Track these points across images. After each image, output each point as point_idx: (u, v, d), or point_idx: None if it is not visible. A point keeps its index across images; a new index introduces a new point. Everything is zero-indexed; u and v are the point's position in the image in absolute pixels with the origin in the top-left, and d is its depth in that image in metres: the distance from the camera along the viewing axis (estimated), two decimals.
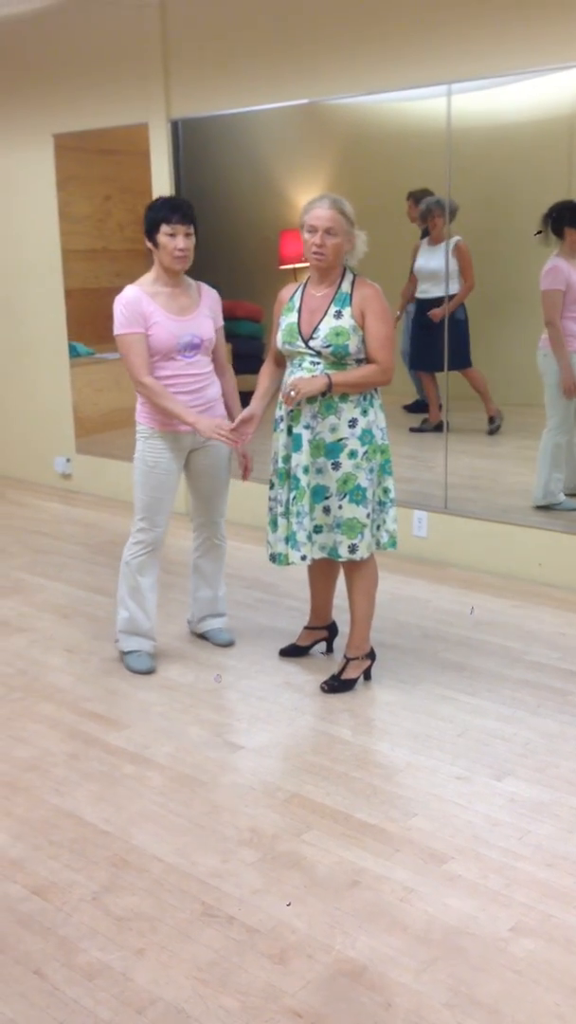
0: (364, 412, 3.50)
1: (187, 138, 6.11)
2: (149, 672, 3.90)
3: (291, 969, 2.31)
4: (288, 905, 2.52)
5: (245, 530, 5.73)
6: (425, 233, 5.42)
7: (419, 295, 5.55)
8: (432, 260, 5.37)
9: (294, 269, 7.61)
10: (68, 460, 6.84)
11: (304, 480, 3.48)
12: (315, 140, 6.85)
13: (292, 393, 3.41)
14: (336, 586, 3.93)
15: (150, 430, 3.82)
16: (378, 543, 3.62)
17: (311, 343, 3.46)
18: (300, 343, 3.48)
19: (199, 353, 3.79)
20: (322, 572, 3.83)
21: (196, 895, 2.58)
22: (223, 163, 7.35)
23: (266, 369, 3.77)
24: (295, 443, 3.50)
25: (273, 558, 3.64)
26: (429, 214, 5.28)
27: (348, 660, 3.72)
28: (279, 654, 4.00)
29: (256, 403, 3.70)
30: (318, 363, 3.46)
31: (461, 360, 5.49)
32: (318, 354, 3.46)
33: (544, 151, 5.18)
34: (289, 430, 3.53)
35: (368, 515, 3.54)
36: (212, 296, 3.89)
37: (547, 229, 4.93)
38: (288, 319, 3.53)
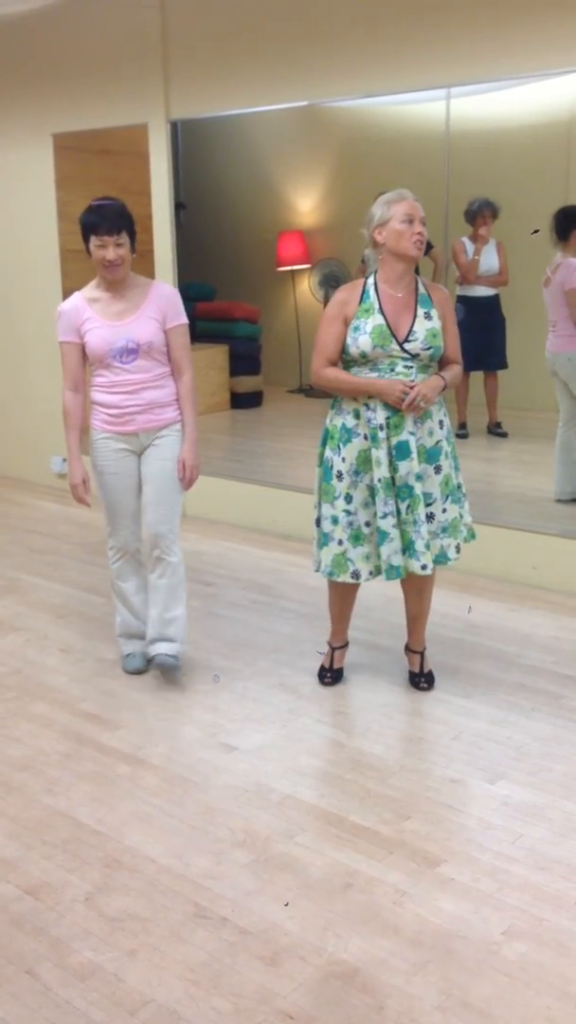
0: (445, 413, 3.53)
1: (186, 139, 6.13)
2: (138, 673, 3.90)
3: (283, 971, 2.31)
4: (286, 905, 2.53)
5: (240, 531, 5.74)
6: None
7: (471, 294, 5.53)
8: (485, 260, 5.40)
9: (292, 271, 7.62)
10: (64, 460, 6.84)
11: (418, 487, 3.41)
12: (314, 142, 6.86)
13: (423, 403, 3.33)
14: None
15: (95, 431, 3.75)
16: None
17: (407, 345, 3.36)
18: (394, 346, 3.38)
19: (139, 357, 3.64)
20: (355, 591, 3.75)
21: (189, 896, 2.58)
22: (222, 164, 7.36)
23: (342, 371, 3.46)
24: (401, 451, 3.39)
25: (355, 575, 3.52)
26: (479, 214, 5.30)
27: (422, 653, 3.77)
28: (322, 683, 3.78)
29: (376, 379, 3.37)
30: (411, 366, 3.38)
31: (501, 360, 5.53)
32: (412, 357, 3.38)
33: (542, 155, 5.20)
34: (383, 438, 3.40)
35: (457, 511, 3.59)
36: (163, 296, 3.69)
37: (552, 230, 4.95)
38: (373, 321, 3.36)
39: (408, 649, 3.81)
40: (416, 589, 3.70)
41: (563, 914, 2.49)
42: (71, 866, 2.71)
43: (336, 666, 3.82)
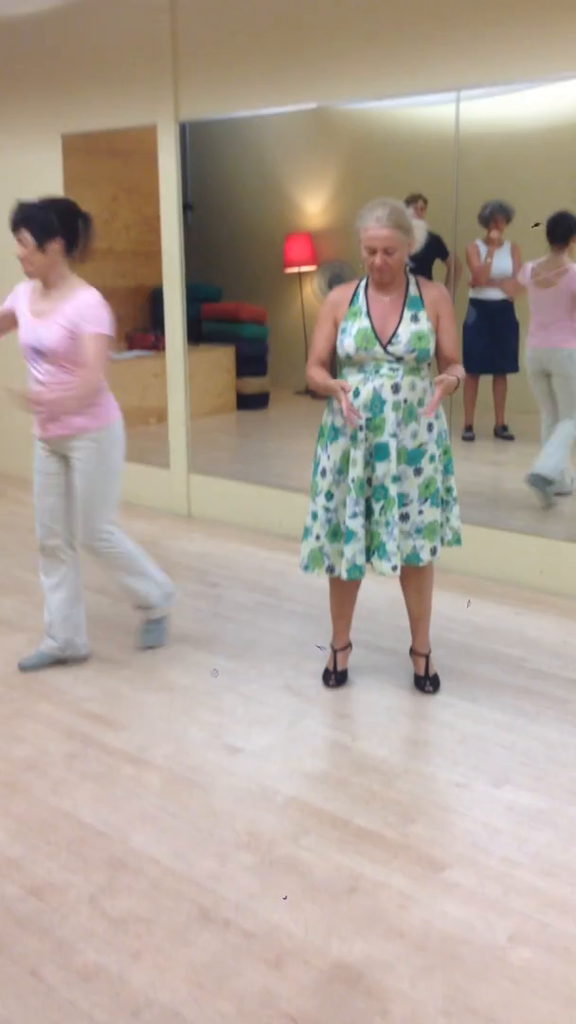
0: (437, 416, 3.51)
1: (195, 140, 6.12)
2: (22, 668, 3.94)
3: (287, 974, 2.30)
4: (284, 898, 2.52)
5: (246, 532, 5.73)
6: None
7: (483, 297, 5.54)
8: (498, 263, 5.42)
9: (299, 273, 7.62)
10: None
11: (393, 489, 3.43)
12: (323, 144, 6.85)
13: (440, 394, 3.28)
14: None
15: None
16: (442, 540, 3.62)
17: (390, 348, 3.38)
18: (377, 348, 3.41)
19: (45, 362, 3.61)
20: (355, 588, 3.76)
21: (193, 898, 2.57)
22: (230, 166, 7.36)
23: (320, 371, 3.50)
24: (380, 452, 3.42)
25: (330, 570, 3.57)
26: (492, 217, 5.32)
27: (427, 656, 3.77)
28: (326, 685, 3.77)
29: (329, 380, 3.41)
30: (397, 368, 3.39)
31: (513, 364, 5.55)
32: (397, 360, 3.40)
33: (552, 159, 5.19)
34: (365, 438, 3.42)
35: (441, 515, 3.57)
36: (79, 302, 3.54)
37: (551, 233, 5.01)
38: (358, 324, 3.40)
39: (413, 652, 3.81)
40: (415, 589, 3.71)
41: (569, 920, 2.48)
42: (75, 867, 2.71)
43: (340, 668, 3.82)
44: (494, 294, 5.45)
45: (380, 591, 4.52)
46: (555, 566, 4.74)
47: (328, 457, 3.52)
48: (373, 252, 3.34)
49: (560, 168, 5.11)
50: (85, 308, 3.54)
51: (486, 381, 5.77)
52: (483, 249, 5.45)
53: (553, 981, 2.28)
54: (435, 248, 5.42)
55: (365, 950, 2.38)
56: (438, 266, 5.48)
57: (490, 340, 5.45)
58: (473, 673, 3.89)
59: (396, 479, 3.44)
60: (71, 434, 3.75)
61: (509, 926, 2.46)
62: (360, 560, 3.48)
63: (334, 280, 7.13)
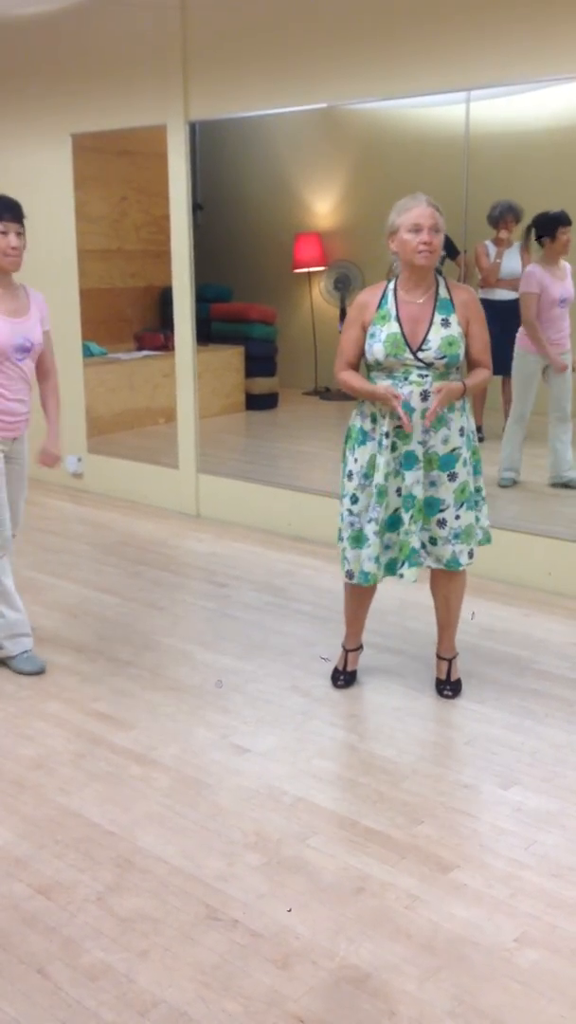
0: (467, 419, 3.49)
1: (205, 140, 6.13)
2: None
3: (294, 974, 2.31)
4: (289, 911, 2.52)
5: (254, 533, 5.73)
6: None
7: (492, 297, 5.55)
8: (507, 264, 5.44)
9: (308, 273, 7.62)
10: (80, 459, 6.85)
11: (420, 496, 3.40)
12: (333, 144, 6.86)
13: (434, 406, 3.29)
14: None
15: None
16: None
17: (421, 354, 3.33)
18: (408, 355, 3.33)
19: (28, 357, 3.77)
20: (370, 593, 3.73)
21: (200, 898, 2.58)
22: (240, 166, 7.37)
23: (356, 375, 3.48)
24: (408, 461, 3.39)
25: (349, 575, 3.54)
26: (502, 218, 5.33)
27: (450, 661, 3.74)
28: (335, 686, 3.77)
29: (375, 385, 3.37)
30: (426, 375, 3.34)
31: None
32: (427, 366, 3.34)
33: (562, 159, 5.18)
34: (393, 446, 3.40)
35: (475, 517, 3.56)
36: (40, 300, 3.84)
37: (530, 238, 5.09)
38: (387, 329, 3.34)
39: (437, 656, 3.79)
40: (443, 597, 3.68)
41: None
42: (83, 866, 2.71)
43: (349, 669, 3.81)
44: (503, 294, 5.45)
45: (389, 592, 4.51)
46: (563, 567, 4.73)
47: (355, 460, 3.48)
48: (419, 230, 3.27)
49: (570, 168, 5.11)
50: (45, 305, 3.84)
51: (494, 382, 5.77)
52: (492, 249, 5.45)
53: (561, 983, 2.27)
54: (445, 247, 5.43)
55: (372, 951, 2.38)
56: (448, 266, 5.48)
57: (498, 341, 5.45)
58: (481, 674, 3.88)
59: (427, 485, 3.40)
60: (22, 433, 3.92)
61: (517, 928, 2.46)
62: (369, 567, 3.45)
63: (341, 281, 7.14)
